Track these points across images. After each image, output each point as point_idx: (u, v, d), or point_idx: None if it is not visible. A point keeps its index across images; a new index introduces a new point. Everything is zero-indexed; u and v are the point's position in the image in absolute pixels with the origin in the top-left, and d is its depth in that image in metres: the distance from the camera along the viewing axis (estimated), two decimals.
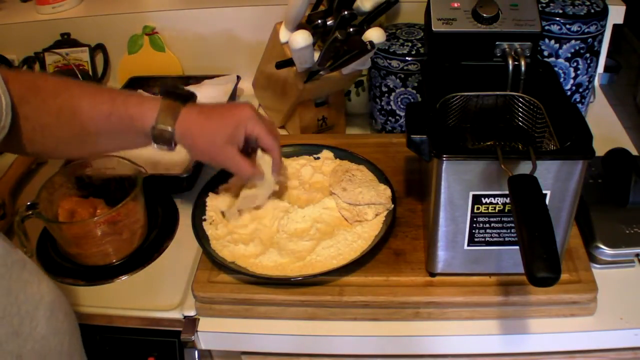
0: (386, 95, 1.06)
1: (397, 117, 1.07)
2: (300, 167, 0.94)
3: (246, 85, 1.22)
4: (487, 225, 0.72)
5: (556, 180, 0.68)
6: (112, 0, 1.33)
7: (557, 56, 0.98)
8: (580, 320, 0.75)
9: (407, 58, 1.00)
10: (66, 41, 1.28)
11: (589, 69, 1.01)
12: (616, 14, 1.14)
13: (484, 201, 0.70)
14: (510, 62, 0.82)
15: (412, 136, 0.71)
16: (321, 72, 0.96)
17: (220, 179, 0.93)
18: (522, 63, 0.81)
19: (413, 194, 0.91)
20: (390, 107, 1.07)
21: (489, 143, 0.86)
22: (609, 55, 1.25)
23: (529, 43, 0.83)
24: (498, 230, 0.72)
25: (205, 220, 0.87)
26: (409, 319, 0.77)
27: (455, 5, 0.85)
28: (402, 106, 1.05)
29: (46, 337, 0.58)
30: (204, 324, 0.79)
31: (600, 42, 1.00)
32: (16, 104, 0.67)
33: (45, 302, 0.60)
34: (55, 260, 0.88)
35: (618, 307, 0.76)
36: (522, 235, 0.59)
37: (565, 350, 0.77)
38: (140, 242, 0.89)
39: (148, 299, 0.82)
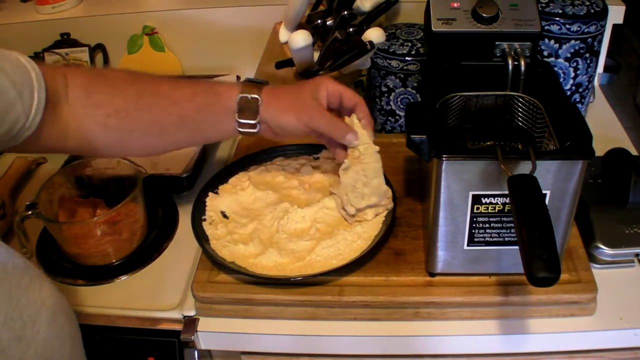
0: (386, 95, 1.06)
1: (397, 117, 1.07)
2: (300, 167, 0.94)
3: None
4: (487, 225, 0.72)
5: (556, 180, 0.67)
6: (112, 0, 1.33)
7: (557, 56, 0.98)
8: (580, 320, 0.75)
9: (406, 58, 1.00)
10: (66, 41, 1.28)
11: (589, 69, 1.01)
12: (616, 14, 1.14)
13: (483, 201, 0.70)
14: (510, 62, 0.82)
15: (411, 136, 0.71)
16: (321, 72, 0.96)
17: (221, 179, 0.93)
18: (522, 63, 0.81)
19: (413, 194, 0.91)
20: (390, 107, 1.06)
21: (488, 143, 0.86)
22: (608, 55, 1.25)
23: (529, 43, 0.83)
24: (498, 230, 0.72)
25: (205, 220, 0.87)
26: (408, 319, 0.77)
27: (455, 5, 0.85)
28: (401, 106, 1.05)
29: (48, 340, 0.58)
30: (204, 324, 0.79)
31: (600, 42, 1.00)
32: (84, 95, 0.71)
33: (46, 306, 0.60)
34: (55, 260, 0.88)
35: (618, 307, 0.76)
36: (522, 235, 0.59)
37: (565, 350, 0.77)
38: (140, 242, 0.89)
39: (148, 299, 0.82)
